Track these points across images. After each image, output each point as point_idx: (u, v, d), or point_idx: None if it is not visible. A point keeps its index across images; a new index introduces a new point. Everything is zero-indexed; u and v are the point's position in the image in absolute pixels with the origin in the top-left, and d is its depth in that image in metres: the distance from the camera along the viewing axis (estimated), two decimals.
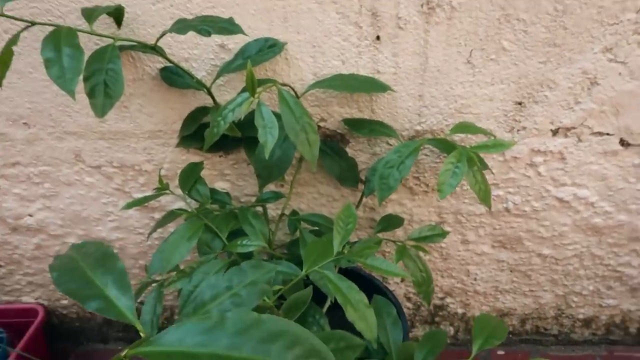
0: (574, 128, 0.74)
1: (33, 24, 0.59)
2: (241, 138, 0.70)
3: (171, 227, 0.84)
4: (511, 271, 0.92)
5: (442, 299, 0.97)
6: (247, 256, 0.65)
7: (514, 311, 0.98)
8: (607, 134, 0.74)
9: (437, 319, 1.00)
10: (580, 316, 0.98)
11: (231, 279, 0.44)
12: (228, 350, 0.29)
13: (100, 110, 0.56)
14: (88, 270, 0.40)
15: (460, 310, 0.99)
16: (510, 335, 1.02)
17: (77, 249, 0.44)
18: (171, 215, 0.69)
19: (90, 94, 0.57)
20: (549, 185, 0.79)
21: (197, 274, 0.58)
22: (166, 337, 0.31)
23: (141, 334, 0.36)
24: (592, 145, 0.75)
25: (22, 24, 0.59)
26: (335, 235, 0.56)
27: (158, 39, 0.64)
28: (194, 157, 0.80)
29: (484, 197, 0.64)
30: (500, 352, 1.03)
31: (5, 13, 0.57)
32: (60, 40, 0.56)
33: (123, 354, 0.31)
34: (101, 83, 0.57)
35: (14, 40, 0.57)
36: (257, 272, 0.44)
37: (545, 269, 0.91)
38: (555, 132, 0.74)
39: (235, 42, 0.69)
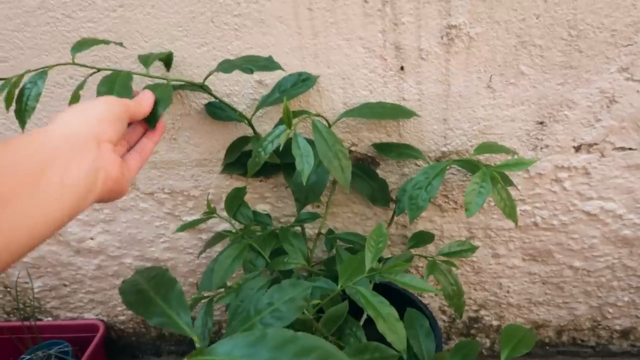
0: (596, 144, 0.76)
1: (98, 70, 0.67)
2: (280, 164, 0.77)
3: (217, 247, 0.91)
4: (543, 283, 0.94)
5: (476, 311, 1.00)
6: (288, 273, 0.71)
7: (549, 323, 1.00)
8: (630, 149, 0.76)
9: (472, 331, 1.03)
10: (617, 327, 0.99)
11: (272, 295, 0.49)
12: None
13: None
14: (151, 291, 0.47)
15: (495, 323, 1.01)
16: (547, 347, 1.04)
17: (140, 274, 0.51)
18: (219, 237, 0.76)
19: None
20: (576, 200, 0.82)
21: (244, 289, 0.64)
22: (218, 348, 0.37)
23: (196, 345, 0.42)
24: (616, 159, 0.78)
25: (87, 71, 0.68)
26: (367, 254, 0.61)
27: (205, 78, 0.71)
28: (236, 182, 0.87)
29: (510, 212, 0.67)
30: None
31: (73, 61, 0.65)
32: (115, 83, 0.61)
33: None
34: None
35: (81, 85, 0.65)
36: (295, 289, 0.50)
37: (577, 280, 0.92)
38: (577, 149, 0.77)
39: (271, 78, 0.76)
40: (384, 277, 0.64)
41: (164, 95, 0.56)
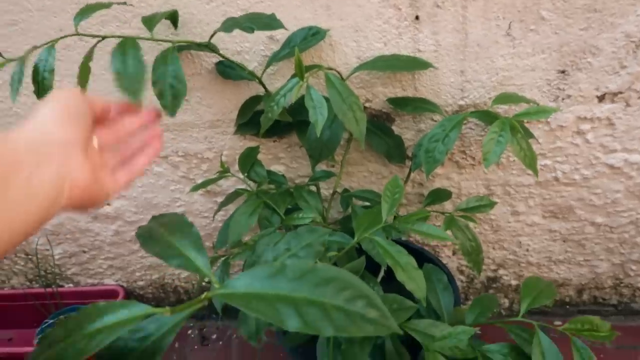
0: (620, 93, 0.74)
1: (104, 38, 0.66)
2: (292, 123, 0.75)
3: (232, 209, 0.91)
4: (564, 241, 0.92)
5: (494, 270, 0.98)
6: None
7: (570, 281, 0.98)
8: None
9: (491, 291, 1.02)
10: None
11: (289, 242, 0.49)
12: (289, 292, 0.34)
13: (171, 110, 0.61)
14: (168, 235, 0.47)
15: (514, 282, 1.00)
16: (567, 306, 1.03)
17: (157, 220, 0.50)
18: (234, 195, 0.75)
19: (159, 97, 0.61)
20: (598, 152, 0.80)
21: (260, 245, 0.64)
22: (236, 282, 0.36)
23: (215, 285, 0.42)
24: None
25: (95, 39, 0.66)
26: (383, 205, 0.60)
27: (210, 38, 0.69)
28: (250, 142, 0.86)
29: (530, 163, 0.65)
30: (558, 323, 1.03)
31: (77, 31, 0.63)
32: (126, 52, 0.58)
33: (203, 296, 0.37)
34: (167, 85, 0.61)
35: (89, 57, 0.64)
36: (312, 235, 0.49)
37: (599, 237, 0.90)
38: (601, 98, 0.74)
39: (282, 33, 0.74)
40: (400, 230, 0.63)
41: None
